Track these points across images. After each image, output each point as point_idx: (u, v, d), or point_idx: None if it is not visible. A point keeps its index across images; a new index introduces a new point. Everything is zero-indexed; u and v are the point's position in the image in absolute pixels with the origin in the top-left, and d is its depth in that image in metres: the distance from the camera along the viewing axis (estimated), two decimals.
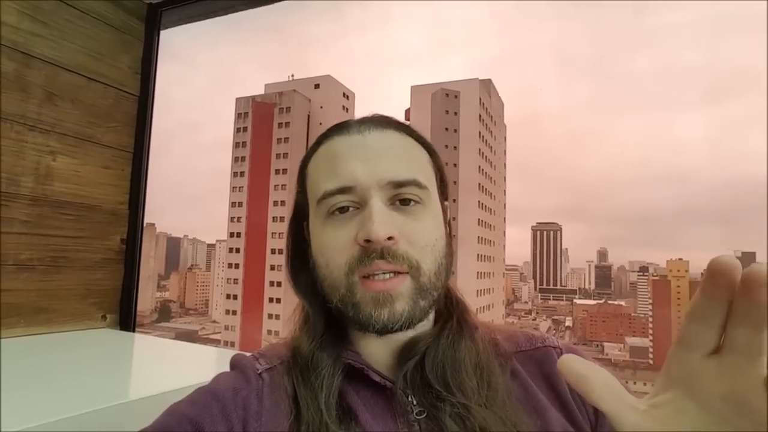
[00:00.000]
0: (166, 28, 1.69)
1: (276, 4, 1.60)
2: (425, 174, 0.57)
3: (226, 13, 1.69)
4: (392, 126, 0.58)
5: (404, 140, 0.58)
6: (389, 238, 0.51)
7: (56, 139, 1.35)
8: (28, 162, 1.28)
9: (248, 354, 0.59)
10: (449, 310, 0.59)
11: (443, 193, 0.61)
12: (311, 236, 0.58)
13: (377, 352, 0.56)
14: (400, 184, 0.53)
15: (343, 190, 0.53)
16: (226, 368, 0.58)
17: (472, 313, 0.61)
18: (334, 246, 0.53)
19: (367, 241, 0.51)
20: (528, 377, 0.56)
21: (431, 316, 0.58)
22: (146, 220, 1.65)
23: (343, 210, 0.54)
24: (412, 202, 0.54)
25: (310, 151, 0.61)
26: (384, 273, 0.51)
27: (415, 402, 0.52)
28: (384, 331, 0.52)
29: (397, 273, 0.52)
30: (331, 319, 0.57)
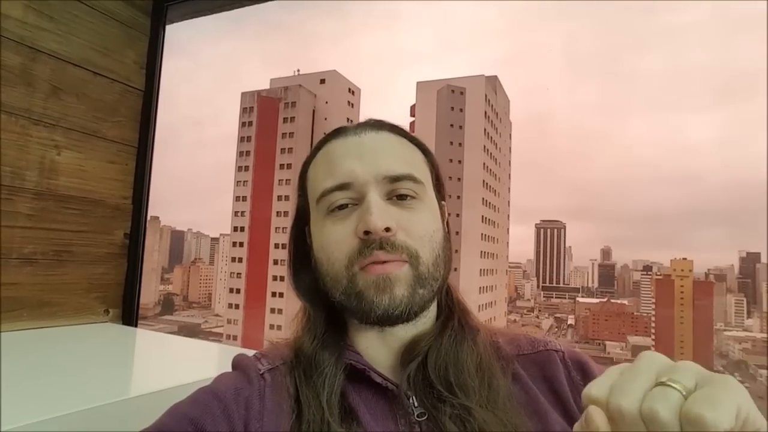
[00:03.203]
0: (171, 23, 1.69)
1: (281, 1, 1.59)
2: (420, 171, 0.58)
3: (232, 9, 1.69)
4: (386, 128, 0.60)
5: (399, 140, 0.60)
6: (387, 230, 0.52)
7: (61, 133, 1.35)
8: (32, 156, 1.28)
9: (250, 354, 0.59)
10: (450, 309, 0.59)
11: (439, 192, 0.62)
12: (313, 236, 0.59)
13: (379, 352, 0.56)
14: (396, 179, 0.55)
15: (341, 187, 0.55)
16: (228, 364, 0.59)
17: (473, 315, 0.61)
18: (334, 240, 0.54)
19: (366, 233, 0.52)
20: (530, 381, 0.56)
21: (432, 312, 0.58)
22: (151, 213, 1.65)
23: (342, 207, 0.55)
24: (409, 197, 0.55)
25: (310, 157, 0.62)
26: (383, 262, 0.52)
27: (416, 403, 0.52)
28: (385, 318, 0.52)
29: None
30: (333, 319, 0.58)
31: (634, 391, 0.31)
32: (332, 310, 0.58)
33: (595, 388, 0.33)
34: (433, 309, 0.59)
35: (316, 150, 0.62)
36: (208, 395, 0.52)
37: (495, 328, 0.62)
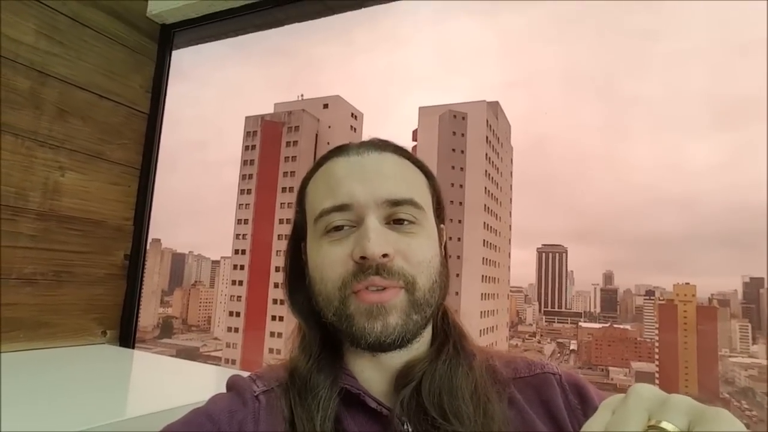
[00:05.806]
0: (178, 48, 1.72)
1: (286, 27, 1.64)
2: (421, 195, 0.58)
3: (237, 35, 1.72)
4: (390, 149, 0.60)
5: (402, 162, 0.59)
6: (384, 256, 0.51)
7: (66, 155, 1.37)
8: (37, 177, 1.30)
9: (245, 375, 0.59)
10: (446, 334, 0.59)
11: (439, 215, 0.61)
12: (308, 254, 0.58)
13: (373, 376, 0.56)
14: (396, 203, 0.54)
15: (340, 208, 0.54)
16: (224, 387, 0.58)
17: (470, 339, 0.60)
18: (329, 261, 0.54)
19: (363, 258, 0.51)
20: (526, 405, 0.55)
21: (426, 337, 0.58)
22: (152, 236, 1.66)
23: (339, 228, 0.54)
24: (407, 222, 0.55)
25: (310, 173, 0.62)
26: (378, 288, 0.51)
27: (410, 429, 0.51)
28: (377, 345, 0.51)
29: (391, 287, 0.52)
30: (328, 340, 0.57)
31: None
32: (327, 330, 0.57)
33: None
34: (427, 333, 0.58)
35: (317, 166, 0.61)
36: (202, 417, 0.52)
37: (492, 350, 0.61)
